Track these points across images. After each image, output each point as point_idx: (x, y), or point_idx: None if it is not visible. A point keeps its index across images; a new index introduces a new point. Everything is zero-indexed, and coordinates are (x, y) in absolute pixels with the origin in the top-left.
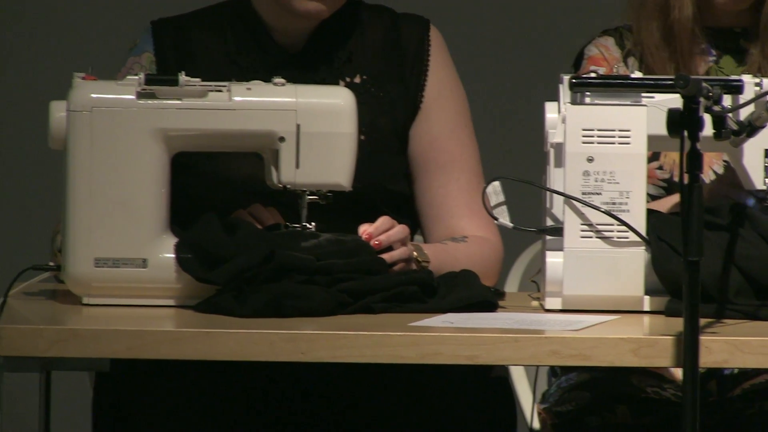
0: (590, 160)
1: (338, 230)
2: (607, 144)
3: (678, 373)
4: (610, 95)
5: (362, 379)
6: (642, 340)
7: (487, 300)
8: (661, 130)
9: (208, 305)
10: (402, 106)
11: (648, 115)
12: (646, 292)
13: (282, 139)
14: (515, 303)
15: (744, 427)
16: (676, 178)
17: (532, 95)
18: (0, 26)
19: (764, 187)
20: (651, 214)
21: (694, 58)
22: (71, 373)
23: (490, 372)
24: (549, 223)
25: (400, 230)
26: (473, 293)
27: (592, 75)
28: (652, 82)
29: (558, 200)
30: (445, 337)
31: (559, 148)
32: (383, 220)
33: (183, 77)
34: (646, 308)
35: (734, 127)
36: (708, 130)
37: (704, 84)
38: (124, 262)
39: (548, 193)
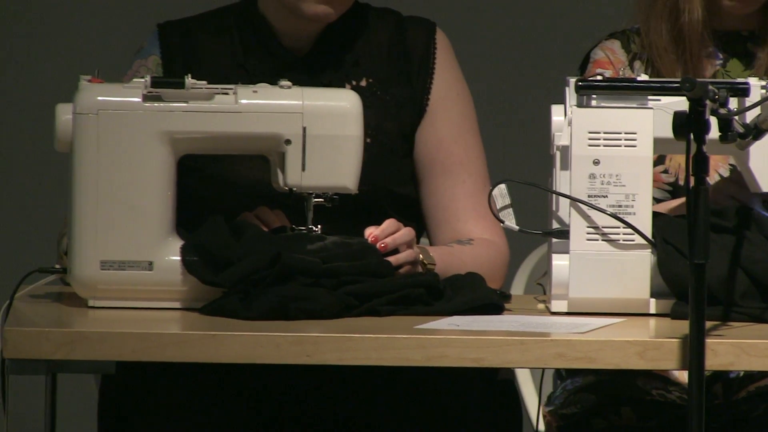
0: (596, 162)
1: (344, 233)
2: (613, 147)
3: (683, 375)
4: (616, 98)
5: (368, 382)
6: (648, 342)
7: (493, 302)
8: (668, 132)
9: (214, 308)
10: (408, 109)
11: (654, 117)
12: (652, 295)
13: (288, 141)
14: (521, 306)
15: (749, 430)
16: (681, 182)
17: (538, 98)
18: (6, 28)
19: None
20: (657, 216)
21: (702, 61)
22: (77, 376)
23: (496, 375)
24: (555, 225)
25: (406, 233)
26: (479, 296)
27: (599, 78)
28: (658, 85)
29: (564, 203)
30: (450, 339)
31: (566, 150)
32: (389, 223)
33: (189, 80)
34: (652, 311)
35: (740, 129)
36: (714, 132)
37: (710, 87)
38: (130, 264)
39: (554, 195)
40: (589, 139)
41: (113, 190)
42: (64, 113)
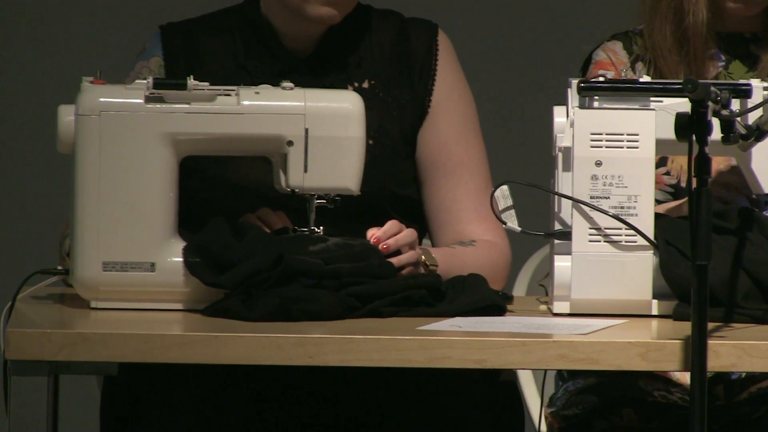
0: (598, 164)
1: (346, 234)
2: (615, 148)
3: (685, 376)
4: (618, 99)
5: (370, 383)
6: (650, 344)
7: (495, 304)
8: (670, 134)
9: (217, 309)
10: (410, 110)
11: (656, 119)
12: (654, 296)
13: (290, 143)
14: (523, 307)
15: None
16: (683, 184)
17: (540, 99)
18: (8, 30)
19: None
20: (659, 218)
21: (705, 62)
22: (79, 377)
23: (498, 376)
24: (557, 227)
25: (408, 234)
26: (481, 297)
27: (601, 79)
28: (660, 86)
29: (566, 204)
30: (453, 341)
31: (568, 152)
32: (391, 224)
33: (191, 81)
34: (654, 312)
35: (742, 131)
36: (716, 134)
37: (712, 88)
38: (132, 265)
39: (556, 197)
40: (592, 140)
41: (115, 191)
42: (66, 114)
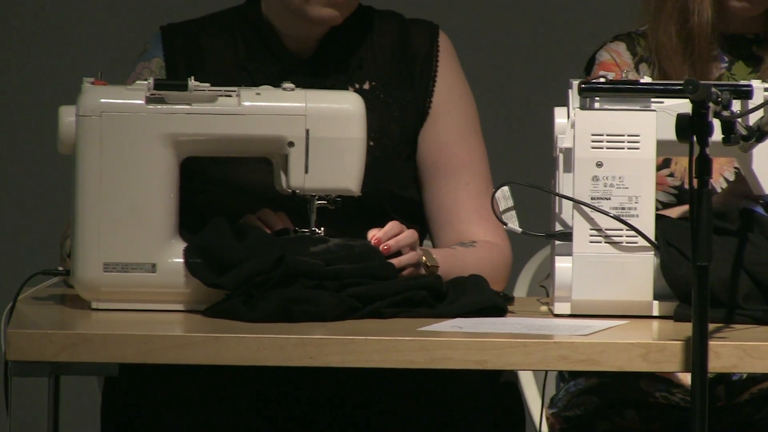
0: (599, 165)
1: (347, 235)
2: (616, 149)
3: (686, 377)
4: (619, 100)
5: (371, 384)
6: (651, 345)
7: (496, 305)
8: (671, 135)
9: (217, 310)
10: (411, 111)
11: (657, 120)
12: (655, 297)
13: (291, 144)
14: (524, 308)
15: None
16: (687, 186)
17: (541, 100)
18: (8, 30)
19: None
20: (660, 219)
21: (709, 63)
22: (80, 378)
23: (499, 377)
24: (558, 228)
25: (409, 235)
26: (482, 298)
27: (601, 80)
28: (661, 87)
29: (567, 205)
30: (454, 342)
31: (568, 153)
32: (392, 225)
33: (192, 82)
34: (655, 313)
35: (743, 132)
36: (717, 135)
37: (713, 89)
38: (133, 266)
39: (557, 198)
40: (592, 141)
41: (116, 192)
42: (67, 115)
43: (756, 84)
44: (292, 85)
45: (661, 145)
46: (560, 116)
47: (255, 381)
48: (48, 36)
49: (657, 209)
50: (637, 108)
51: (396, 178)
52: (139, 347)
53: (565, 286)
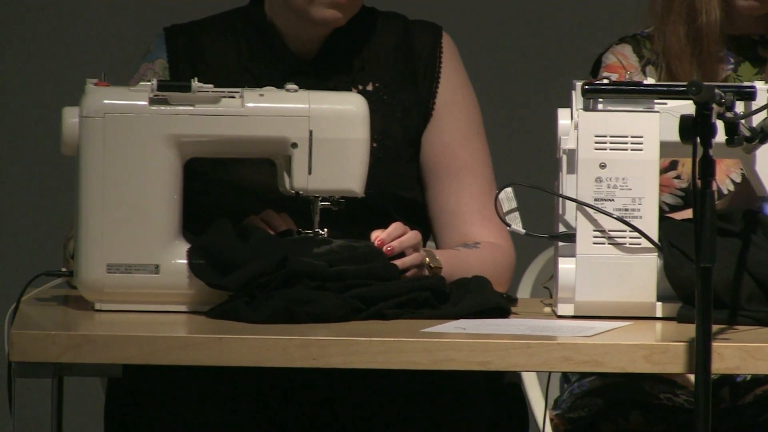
0: (603, 166)
1: (350, 236)
2: (619, 150)
3: (690, 378)
4: (622, 101)
5: (374, 385)
6: (654, 346)
7: (500, 306)
8: (674, 136)
9: (221, 311)
10: (414, 113)
11: (661, 121)
12: (659, 299)
13: (294, 145)
14: (527, 309)
15: None
16: None
17: (544, 101)
18: (12, 31)
19: None
20: (663, 220)
21: (717, 64)
22: (83, 379)
23: (503, 378)
24: (561, 229)
25: (412, 236)
26: (485, 299)
27: (605, 81)
28: (664, 88)
29: (570, 206)
30: (457, 343)
31: (572, 154)
32: (395, 226)
33: (195, 83)
34: (659, 314)
35: (747, 133)
36: (720, 136)
37: (717, 90)
38: (137, 268)
39: (561, 199)
40: (596, 142)
41: (120, 193)
42: (70, 116)
43: (759, 85)
44: (295, 87)
45: (664, 146)
46: (563, 117)
47: (258, 382)
48: (51, 37)
49: (664, 211)
50: (641, 109)
51: (399, 180)
52: (143, 348)
53: (569, 287)
